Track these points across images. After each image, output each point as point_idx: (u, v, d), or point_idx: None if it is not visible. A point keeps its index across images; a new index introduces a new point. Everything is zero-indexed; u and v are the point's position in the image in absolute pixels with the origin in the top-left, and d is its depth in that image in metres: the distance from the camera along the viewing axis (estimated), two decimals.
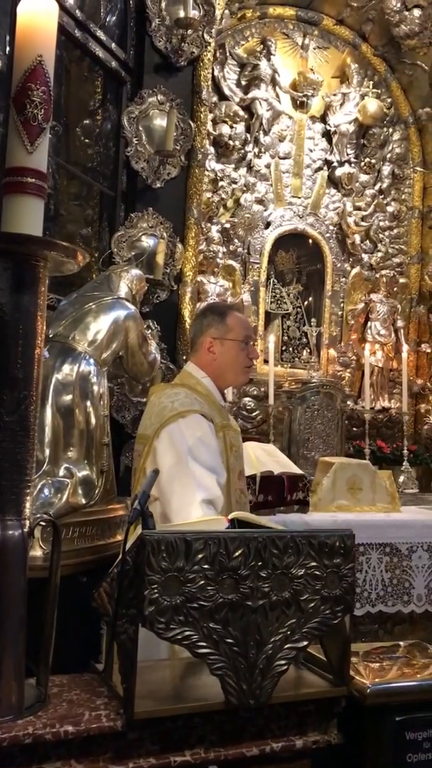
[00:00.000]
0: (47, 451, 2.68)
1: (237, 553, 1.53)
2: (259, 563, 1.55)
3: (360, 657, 2.08)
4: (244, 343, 2.49)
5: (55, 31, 1.56)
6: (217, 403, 2.46)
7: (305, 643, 1.62)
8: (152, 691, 1.60)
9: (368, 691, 1.81)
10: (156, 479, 1.75)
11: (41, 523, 1.59)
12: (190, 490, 2.12)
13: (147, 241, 4.12)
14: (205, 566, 1.49)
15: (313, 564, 1.61)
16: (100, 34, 4.05)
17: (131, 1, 4.29)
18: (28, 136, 1.51)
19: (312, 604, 1.61)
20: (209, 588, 1.50)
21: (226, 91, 5.26)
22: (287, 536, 1.60)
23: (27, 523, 1.50)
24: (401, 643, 2.34)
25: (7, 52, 3.30)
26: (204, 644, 1.49)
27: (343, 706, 1.69)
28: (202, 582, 1.49)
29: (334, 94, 5.62)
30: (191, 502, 2.09)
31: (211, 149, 5.14)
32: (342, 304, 5.66)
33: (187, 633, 1.47)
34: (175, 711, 1.52)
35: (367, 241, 5.76)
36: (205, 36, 4.40)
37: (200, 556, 1.49)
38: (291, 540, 1.60)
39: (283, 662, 1.57)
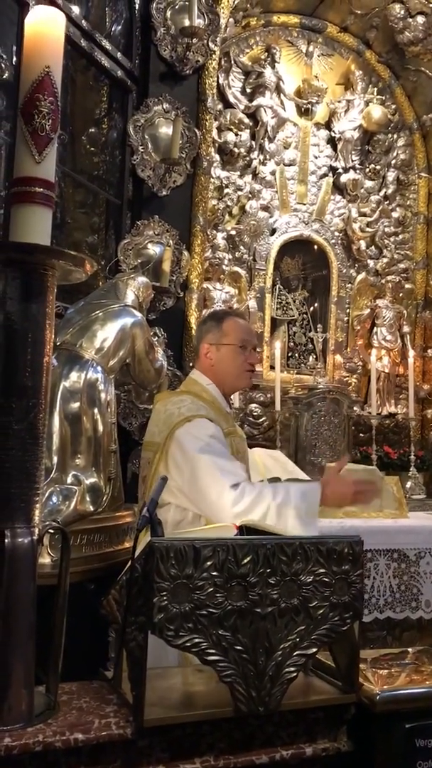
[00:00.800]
0: (55, 459, 2.68)
1: (246, 560, 1.53)
2: (268, 570, 1.55)
3: (368, 664, 2.07)
4: (241, 347, 2.47)
5: (63, 42, 1.57)
6: (223, 410, 2.47)
7: (314, 650, 1.62)
8: (162, 698, 1.60)
9: (378, 698, 1.80)
10: (165, 486, 1.75)
11: (50, 530, 1.60)
12: (218, 480, 2.13)
13: (153, 249, 4.14)
14: (214, 573, 1.50)
15: (322, 571, 1.61)
16: (105, 43, 4.07)
17: (136, 11, 4.32)
18: (36, 146, 1.52)
19: (321, 611, 1.61)
20: (218, 595, 1.50)
21: (231, 99, 5.28)
22: (296, 543, 1.60)
23: (36, 530, 1.50)
24: (410, 649, 2.33)
25: (14, 63, 3.32)
26: (213, 651, 1.49)
27: (352, 714, 1.69)
28: (211, 589, 1.49)
29: (339, 101, 5.64)
30: (221, 491, 2.10)
31: (217, 157, 5.16)
32: (348, 310, 5.66)
33: (197, 640, 1.47)
34: (185, 718, 1.52)
35: (373, 247, 5.77)
36: (210, 44, 4.42)
37: (209, 563, 1.49)
38: (299, 547, 1.60)
39: (292, 669, 1.57)
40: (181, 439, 2.25)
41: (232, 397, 4.74)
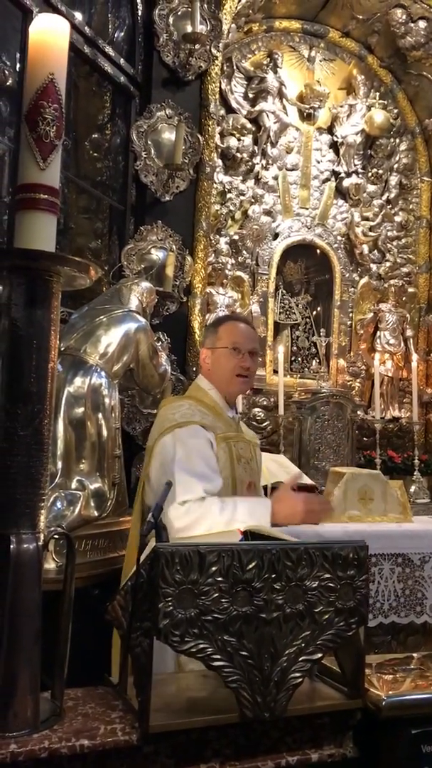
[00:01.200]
0: (60, 464, 2.69)
1: (251, 566, 1.53)
2: (273, 575, 1.55)
3: (373, 669, 2.06)
4: (233, 350, 2.43)
5: (67, 49, 1.58)
6: (224, 415, 2.46)
7: (320, 655, 1.61)
8: (167, 704, 1.60)
9: (383, 703, 1.79)
10: (169, 491, 1.76)
11: (55, 536, 1.60)
12: (173, 494, 2.14)
13: (156, 254, 4.15)
14: (219, 579, 1.49)
15: (327, 576, 1.61)
16: (108, 49, 4.09)
17: (139, 17, 4.34)
18: (40, 153, 1.52)
19: (326, 616, 1.60)
20: (223, 600, 1.50)
21: (234, 104, 5.30)
22: (300, 548, 1.60)
23: (41, 536, 1.50)
24: (414, 654, 2.32)
25: (17, 70, 3.34)
26: (218, 657, 1.49)
27: (358, 719, 1.68)
28: (216, 594, 1.49)
29: (341, 106, 5.65)
30: (170, 506, 2.12)
31: (219, 162, 5.17)
32: (351, 314, 5.66)
33: (202, 646, 1.47)
34: (190, 724, 1.51)
35: (376, 251, 5.78)
36: (213, 50, 4.44)
37: (214, 568, 1.49)
38: (304, 552, 1.59)
39: (297, 675, 1.57)
40: (165, 445, 2.27)
41: (237, 400, 4.76)
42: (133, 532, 2.39)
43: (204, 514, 2.11)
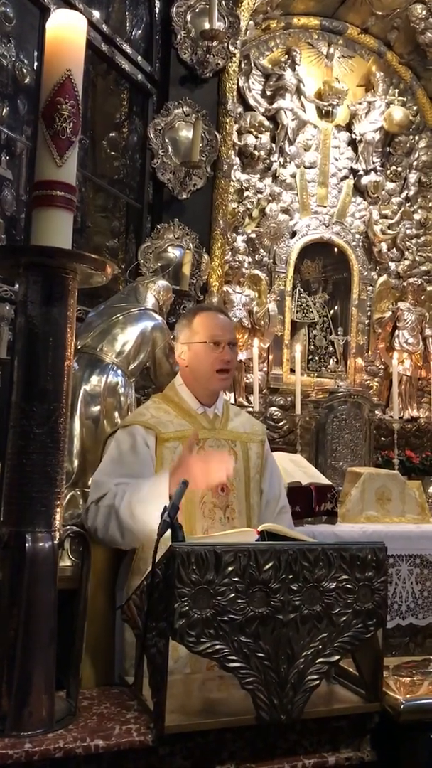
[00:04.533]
0: (76, 462, 2.69)
1: (267, 566, 1.51)
2: (290, 576, 1.53)
3: (390, 671, 2.04)
4: (213, 344, 2.26)
5: (84, 46, 1.57)
6: (190, 411, 2.29)
7: (337, 657, 1.59)
8: (182, 705, 1.59)
9: (402, 707, 1.77)
10: (185, 491, 1.74)
11: (70, 534, 1.59)
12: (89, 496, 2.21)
13: (173, 252, 4.14)
14: (236, 579, 1.48)
15: (345, 577, 1.59)
16: (126, 47, 4.09)
17: (157, 15, 4.33)
18: (57, 149, 1.52)
19: (344, 618, 1.59)
20: (240, 601, 1.48)
21: (251, 102, 5.27)
22: (318, 549, 1.58)
23: (57, 534, 1.49)
24: None
25: (35, 67, 3.34)
26: (234, 658, 1.47)
27: (376, 723, 1.66)
28: (233, 595, 1.47)
29: (360, 103, 5.61)
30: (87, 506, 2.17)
31: (237, 159, 5.15)
32: (369, 313, 5.62)
33: (218, 647, 1.46)
34: (207, 726, 1.50)
35: (394, 250, 5.72)
36: (230, 47, 4.42)
37: (230, 568, 1.48)
38: (322, 553, 1.57)
39: (314, 677, 1.55)
40: (108, 446, 2.29)
41: (251, 399, 4.74)
42: None
43: (107, 509, 2.06)
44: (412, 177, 5.79)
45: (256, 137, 5.23)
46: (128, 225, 4.45)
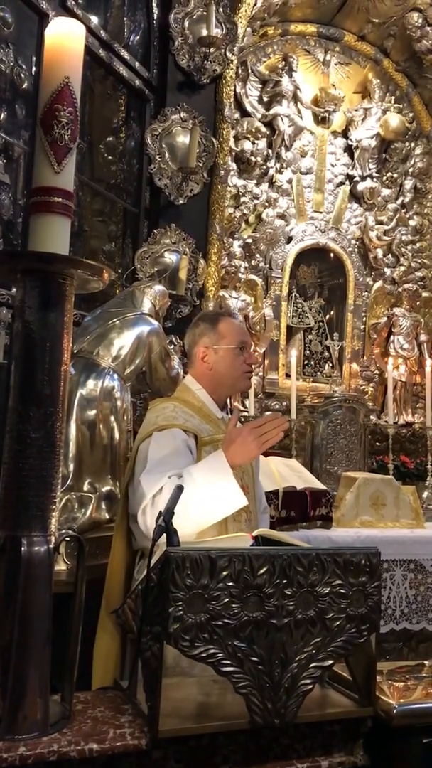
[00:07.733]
0: (71, 466, 2.69)
1: (262, 571, 1.52)
2: (284, 581, 1.54)
3: (384, 676, 2.04)
4: (239, 348, 2.38)
5: (82, 53, 1.58)
6: (212, 416, 2.35)
7: (331, 662, 1.60)
8: (176, 708, 1.59)
9: (395, 711, 1.78)
10: (180, 495, 1.75)
11: (66, 538, 1.60)
12: (140, 498, 2.11)
13: (170, 257, 4.16)
14: (230, 584, 1.49)
15: (339, 582, 1.60)
16: (123, 53, 4.11)
17: (155, 21, 4.35)
18: (55, 156, 1.52)
19: (337, 623, 1.59)
20: (234, 606, 1.49)
21: (248, 108, 5.30)
22: (312, 554, 1.59)
23: (52, 538, 1.50)
24: (426, 662, 2.30)
25: (33, 73, 3.36)
26: (228, 662, 1.48)
27: (369, 727, 1.67)
28: (227, 600, 1.48)
29: (356, 110, 5.64)
30: (136, 507, 2.11)
31: (234, 165, 5.17)
32: (364, 318, 5.64)
33: (212, 651, 1.46)
34: (200, 729, 1.50)
35: (390, 255, 5.76)
36: (228, 54, 4.44)
37: (225, 573, 1.48)
38: (316, 558, 1.58)
39: (308, 681, 1.56)
40: (140, 451, 2.21)
41: (246, 404, 4.75)
42: (116, 543, 2.29)
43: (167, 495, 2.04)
44: (408, 183, 5.82)
45: (253, 143, 5.26)
46: (125, 229, 4.47)
